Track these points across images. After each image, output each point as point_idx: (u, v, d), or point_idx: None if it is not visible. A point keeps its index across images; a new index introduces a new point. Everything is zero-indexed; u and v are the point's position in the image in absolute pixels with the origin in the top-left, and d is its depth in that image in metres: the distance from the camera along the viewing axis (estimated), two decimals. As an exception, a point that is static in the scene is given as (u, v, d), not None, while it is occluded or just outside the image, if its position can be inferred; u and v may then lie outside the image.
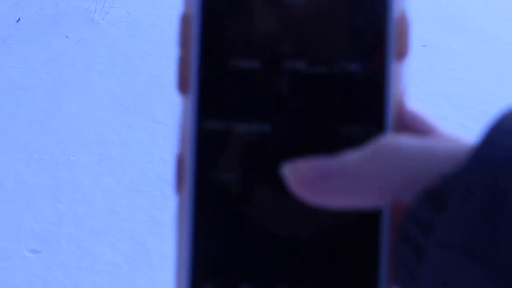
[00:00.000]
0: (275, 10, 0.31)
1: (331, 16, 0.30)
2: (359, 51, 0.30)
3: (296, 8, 0.30)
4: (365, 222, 0.30)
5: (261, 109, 0.31)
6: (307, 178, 0.28)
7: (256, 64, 0.31)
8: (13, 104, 2.90)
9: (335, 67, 0.30)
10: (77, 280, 2.12)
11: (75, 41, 3.36)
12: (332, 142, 0.30)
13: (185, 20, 0.31)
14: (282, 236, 0.31)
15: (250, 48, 0.31)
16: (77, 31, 3.45)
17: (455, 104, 3.34)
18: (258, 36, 0.31)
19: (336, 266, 0.30)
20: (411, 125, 0.31)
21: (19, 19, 3.52)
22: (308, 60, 0.30)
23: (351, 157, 0.28)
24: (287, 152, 0.30)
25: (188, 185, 0.31)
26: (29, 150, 2.66)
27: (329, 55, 0.30)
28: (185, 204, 0.31)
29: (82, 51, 3.29)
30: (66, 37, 3.40)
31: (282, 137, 0.30)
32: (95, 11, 3.59)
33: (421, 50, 3.88)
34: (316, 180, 0.28)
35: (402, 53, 0.31)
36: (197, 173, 0.31)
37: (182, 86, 0.31)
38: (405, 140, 0.28)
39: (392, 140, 0.28)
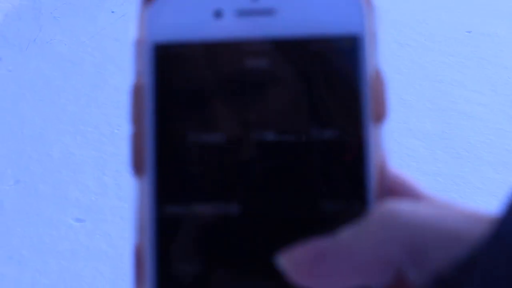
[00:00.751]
0: (237, 76, 0.28)
1: (297, 80, 0.28)
2: (332, 116, 0.27)
3: (259, 74, 0.28)
4: None
5: (227, 188, 0.27)
6: (303, 263, 0.26)
7: (220, 138, 0.27)
8: (60, 77, 2.95)
9: (307, 136, 0.27)
10: (120, 249, 2.16)
11: (120, 15, 3.39)
12: (311, 221, 0.27)
13: (137, 91, 0.28)
14: None
15: (212, 121, 0.28)
16: (123, 6, 3.48)
17: (499, 91, 3.29)
18: (221, 106, 0.28)
19: None
20: (395, 191, 0.28)
21: (66, -7, 3.57)
22: (277, 130, 0.27)
23: (347, 233, 0.26)
24: (259, 235, 0.27)
25: (149, 282, 0.27)
26: (75, 122, 2.70)
27: (299, 123, 0.27)
28: None
29: (127, 26, 3.32)
30: (112, 12, 3.44)
31: (253, 219, 0.27)
32: (140, -13, 3.62)
33: (466, 36, 3.83)
34: (312, 264, 0.25)
35: (380, 116, 0.28)
36: (159, 268, 0.27)
37: (137, 167, 0.28)
38: (407, 207, 0.25)
39: (392, 207, 0.25)
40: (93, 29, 3.27)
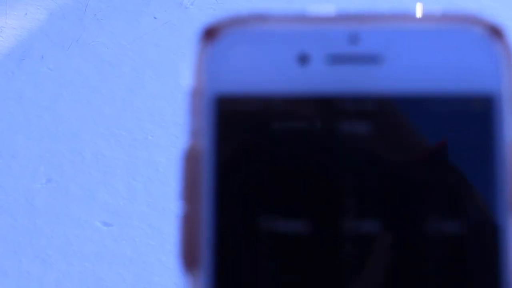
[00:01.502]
0: (327, 144, 0.21)
1: (408, 150, 0.21)
2: (456, 203, 0.21)
3: (357, 143, 0.21)
4: None
5: None
6: None
7: (302, 229, 0.21)
8: (98, 78, 2.98)
9: (423, 229, 0.21)
10: (145, 256, 2.16)
11: (162, 22, 3.41)
12: None
13: (191, 158, 0.21)
14: None
15: (293, 204, 0.21)
16: (166, 13, 3.50)
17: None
18: (305, 184, 0.21)
19: None
20: None
21: (111, -4, 3.61)
22: (381, 220, 0.21)
23: None
24: None
25: None
26: (109, 124, 2.72)
27: (411, 211, 0.21)
28: None
29: (168, 33, 3.33)
30: (155, 17, 3.46)
31: None
32: (184, -5, 3.64)
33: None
34: None
35: None
36: None
37: (189, 260, 0.21)
38: None
39: None
40: (135, 33, 3.29)
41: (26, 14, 3.38)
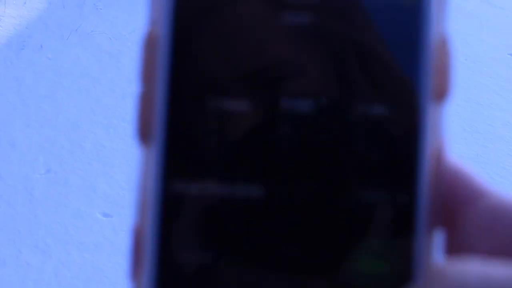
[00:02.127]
0: (272, 30, 0.23)
1: (345, 40, 0.23)
2: (383, 89, 0.23)
3: (299, 27, 0.23)
4: None
5: (250, 167, 0.23)
6: None
7: (244, 106, 0.23)
8: (98, 68, 2.97)
9: (352, 110, 0.23)
10: (144, 248, 2.16)
11: (162, 12, 3.40)
12: (345, 211, 0.23)
13: (149, 43, 0.23)
14: None
15: (237, 83, 0.23)
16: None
17: (540, 118, 3.23)
18: (248, 67, 0.23)
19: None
20: (452, 188, 0.23)
21: (110, -15, 3.60)
22: (316, 102, 0.23)
23: None
24: (280, 224, 0.23)
25: (147, 269, 0.23)
26: (108, 115, 2.72)
27: (344, 94, 0.23)
28: None
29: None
30: (154, 7, 3.45)
31: (277, 205, 0.23)
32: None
33: (507, 59, 3.76)
34: None
35: (441, 92, 0.23)
36: (160, 254, 0.23)
37: (144, 133, 0.23)
38: (476, 272, 0.20)
39: (453, 272, 0.21)
40: (134, 23, 3.28)
41: (25, 3, 3.37)
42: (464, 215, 0.23)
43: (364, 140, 0.23)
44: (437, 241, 0.24)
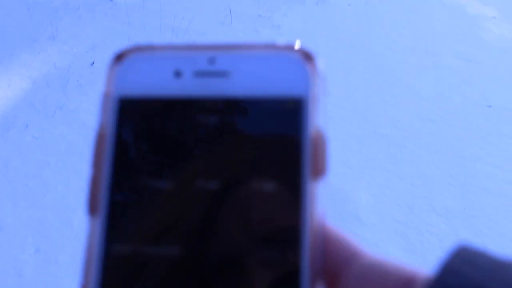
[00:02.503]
0: (189, 130, 0.30)
1: (243, 136, 0.30)
2: (272, 169, 0.29)
3: (210, 129, 0.30)
4: None
5: (170, 231, 0.29)
6: None
7: (168, 185, 0.30)
8: (83, 144, 3.00)
9: (250, 187, 0.29)
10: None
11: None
12: (246, 267, 0.28)
13: (99, 140, 0.31)
14: None
15: (162, 169, 0.30)
16: (148, 77, 3.54)
17: (522, 168, 3.27)
18: (173, 156, 0.30)
19: None
20: (332, 249, 0.29)
21: (93, 62, 3.66)
22: (222, 180, 0.29)
23: None
24: (197, 276, 0.28)
25: None
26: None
27: (242, 174, 0.29)
28: None
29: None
30: (137, 81, 3.51)
31: (191, 261, 0.29)
32: (166, 58, 3.70)
33: (487, 111, 3.83)
34: None
35: (318, 171, 0.29)
36: None
37: (92, 207, 0.30)
38: None
39: None
40: (118, 98, 3.33)
41: (10, 84, 3.42)
42: (342, 276, 0.29)
43: (258, 210, 0.29)
44: None
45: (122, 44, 3.79)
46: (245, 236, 0.29)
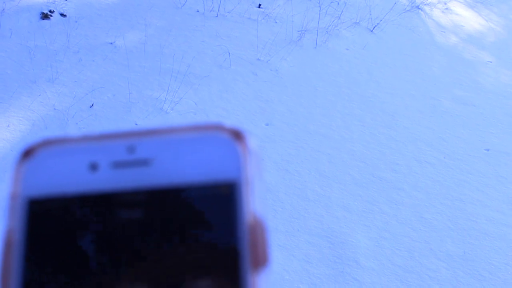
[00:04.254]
0: (109, 229, 0.28)
1: (171, 230, 0.27)
2: (207, 266, 0.27)
3: (133, 226, 0.28)
4: None
5: None
6: None
7: None
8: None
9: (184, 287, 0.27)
10: None
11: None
12: None
13: (7, 247, 0.28)
14: None
15: (82, 277, 0.27)
16: (147, 119, 3.56)
17: (521, 212, 3.26)
18: (93, 261, 0.27)
19: None
20: None
21: (92, 105, 3.67)
22: (150, 283, 0.27)
23: None
24: None
25: None
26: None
27: (173, 274, 0.27)
28: None
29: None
30: (136, 124, 3.52)
31: None
32: (165, 101, 3.72)
33: (485, 154, 3.83)
34: None
35: (258, 262, 0.27)
36: None
37: None
38: None
39: None
40: (117, 140, 3.33)
41: (8, 126, 3.42)
42: None
43: None
44: None
45: (121, 86, 3.81)
46: None
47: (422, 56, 5.22)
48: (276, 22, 5.29)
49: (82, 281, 0.27)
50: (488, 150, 3.92)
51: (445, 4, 6.60)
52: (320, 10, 5.56)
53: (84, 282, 0.27)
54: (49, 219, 0.28)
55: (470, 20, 6.30)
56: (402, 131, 3.93)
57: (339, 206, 3.08)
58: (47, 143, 0.30)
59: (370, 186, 3.30)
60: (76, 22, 4.72)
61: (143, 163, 0.29)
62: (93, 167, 0.29)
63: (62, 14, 4.83)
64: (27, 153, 0.29)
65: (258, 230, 0.27)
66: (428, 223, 3.09)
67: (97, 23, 4.75)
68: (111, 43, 4.42)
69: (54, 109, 3.62)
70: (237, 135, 0.29)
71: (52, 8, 4.86)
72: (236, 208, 0.27)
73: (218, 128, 0.29)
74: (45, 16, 4.75)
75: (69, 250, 0.27)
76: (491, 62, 5.29)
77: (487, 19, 6.36)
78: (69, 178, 0.29)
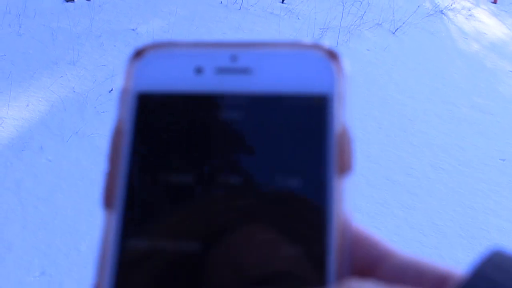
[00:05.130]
0: (209, 127, 0.30)
1: (267, 132, 0.30)
2: (297, 167, 0.29)
3: (231, 125, 0.30)
4: None
5: (190, 227, 0.28)
6: None
7: (187, 181, 0.29)
8: (97, 170, 3.00)
9: (272, 183, 0.29)
10: None
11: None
12: (266, 270, 0.27)
13: (116, 135, 0.30)
14: None
15: (182, 164, 0.29)
16: (165, 107, 3.56)
17: (534, 224, 3.24)
18: (192, 151, 0.29)
19: None
20: (360, 249, 0.28)
21: (112, 90, 3.69)
22: (244, 176, 0.29)
23: None
24: (217, 275, 0.27)
25: None
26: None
27: (265, 170, 0.29)
28: None
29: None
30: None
31: (212, 261, 0.28)
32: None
33: (500, 164, 3.82)
34: None
35: (344, 168, 0.29)
36: None
37: (107, 202, 0.29)
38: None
39: None
40: (134, 126, 3.34)
41: (27, 105, 3.45)
42: (372, 276, 0.28)
43: (281, 207, 0.28)
44: None
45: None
46: (265, 235, 0.28)
47: (443, 61, 5.20)
48: (298, 18, 5.29)
49: (182, 169, 0.29)
50: (504, 160, 3.90)
51: (469, 10, 6.56)
52: (343, 9, 5.55)
53: (185, 169, 0.29)
54: (156, 113, 0.30)
55: (493, 28, 6.26)
56: (419, 135, 3.92)
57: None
58: (156, 46, 0.32)
59: (383, 188, 3.30)
60: (99, 6, 4.74)
61: (244, 71, 0.31)
62: (198, 70, 0.31)
63: (86, -2, 4.85)
64: (138, 53, 0.32)
65: (345, 139, 0.29)
66: (439, 230, 3.08)
67: (121, 8, 4.77)
68: (133, 30, 4.44)
69: (74, 91, 3.64)
70: (332, 55, 0.31)
71: (77, -9, 4.88)
72: (328, 118, 0.29)
73: (315, 46, 0.31)
74: (69, -1, 4.77)
75: (172, 141, 0.30)
76: (512, 71, 5.26)
77: (510, 28, 6.32)
78: (175, 78, 0.31)
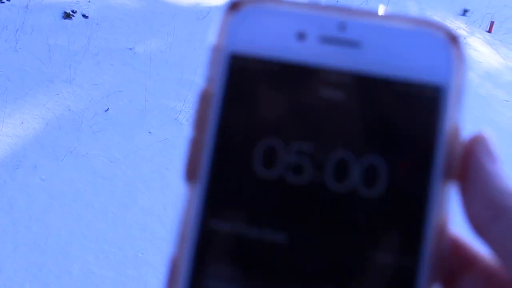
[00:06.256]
0: (308, 103, 0.27)
1: (371, 120, 0.26)
2: (397, 165, 0.26)
3: (332, 106, 0.26)
4: None
5: (278, 216, 0.26)
6: None
7: (280, 164, 0.26)
8: (91, 191, 2.97)
9: (372, 183, 0.26)
10: None
11: (157, 138, 3.45)
12: (355, 267, 0.25)
13: (204, 97, 0.27)
14: None
15: (276, 143, 0.26)
16: (161, 128, 3.55)
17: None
18: (288, 130, 0.26)
19: None
20: (453, 254, 0.27)
21: (108, 109, 3.67)
22: (340, 167, 0.26)
23: None
24: (300, 270, 0.25)
25: None
26: (99, 240, 2.68)
27: (364, 164, 0.26)
28: None
29: (163, 149, 3.37)
30: (149, 132, 3.51)
31: (297, 252, 0.26)
32: (180, 112, 3.71)
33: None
34: None
35: (450, 174, 0.26)
36: (193, 283, 0.26)
37: (190, 173, 0.26)
38: None
39: None
40: (129, 147, 3.32)
41: (22, 123, 3.41)
42: (461, 280, 0.26)
43: (379, 205, 0.26)
44: None
45: (138, 93, 3.80)
46: (359, 235, 0.26)
47: (438, 89, 5.21)
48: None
49: (270, 135, 0.26)
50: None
51: (464, 38, 6.60)
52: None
53: (274, 138, 0.26)
54: (249, 78, 0.27)
55: (488, 57, 6.30)
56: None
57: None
58: (256, 0, 0.28)
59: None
60: (97, 24, 4.73)
61: (353, 44, 0.27)
62: (301, 36, 0.27)
63: (84, 15, 4.84)
64: (234, 6, 0.28)
65: (456, 142, 0.26)
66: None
67: (118, 27, 4.76)
68: (131, 49, 4.43)
69: (69, 110, 3.61)
70: (453, 39, 0.27)
71: (74, 9, 4.87)
72: (439, 113, 0.26)
73: (435, 26, 0.27)
74: (67, 16, 4.76)
75: (267, 114, 0.26)
76: (507, 101, 5.28)
77: (504, 58, 6.36)
78: (273, 41, 0.27)
